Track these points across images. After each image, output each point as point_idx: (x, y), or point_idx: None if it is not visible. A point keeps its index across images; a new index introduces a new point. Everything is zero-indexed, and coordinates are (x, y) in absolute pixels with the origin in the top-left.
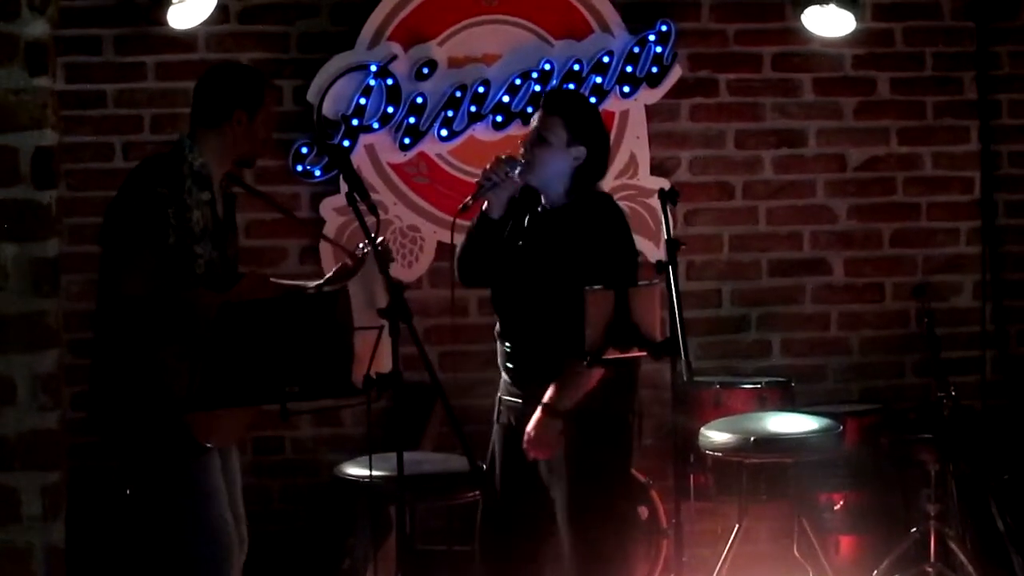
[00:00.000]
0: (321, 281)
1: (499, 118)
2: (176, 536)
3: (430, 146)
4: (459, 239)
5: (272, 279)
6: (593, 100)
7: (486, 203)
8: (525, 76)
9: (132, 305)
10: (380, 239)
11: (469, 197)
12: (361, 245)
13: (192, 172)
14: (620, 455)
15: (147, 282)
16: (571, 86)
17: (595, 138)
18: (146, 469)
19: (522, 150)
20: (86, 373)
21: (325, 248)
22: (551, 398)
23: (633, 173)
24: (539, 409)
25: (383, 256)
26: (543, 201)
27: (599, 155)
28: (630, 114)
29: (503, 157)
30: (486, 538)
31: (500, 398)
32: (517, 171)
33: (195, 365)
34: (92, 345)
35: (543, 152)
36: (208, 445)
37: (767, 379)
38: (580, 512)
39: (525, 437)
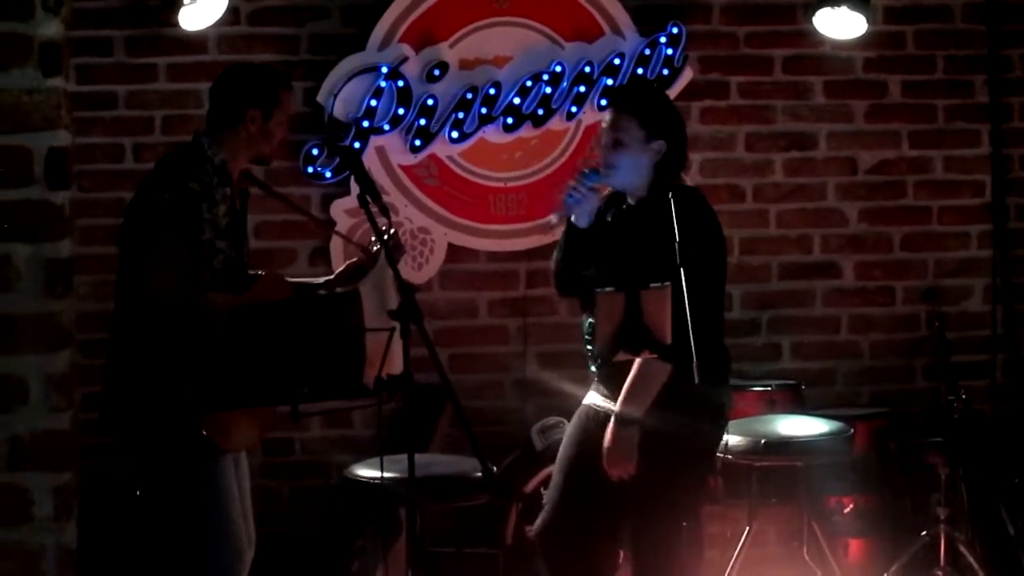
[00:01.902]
0: (332, 276)
1: (510, 120)
2: (189, 538)
3: (441, 148)
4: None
5: (290, 279)
6: (604, 102)
7: (573, 215)
8: (536, 78)
9: (157, 305)
10: (391, 230)
11: (553, 216)
12: (373, 238)
13: (215, 168)
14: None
15: (176, 280)
16: (582, 89)
17: (673, 129)
18: (160, 471)
19: (600, 154)
20: (97, 374)
21: (336, 249)
22: (620, 406)
23: None
24: (611, 422)
25: (394, 249)
26: (628, 199)
27: (679, 145)
28: None
29: (585, 170)
30: (548, 539)
31: (587, 402)
32: (598, 181)
33: (207, 366)
34: (108, 345)
35: (621, 155)
36: (224, 449)
37: (777, 382)
38: (650, 533)
39: (603, 455)
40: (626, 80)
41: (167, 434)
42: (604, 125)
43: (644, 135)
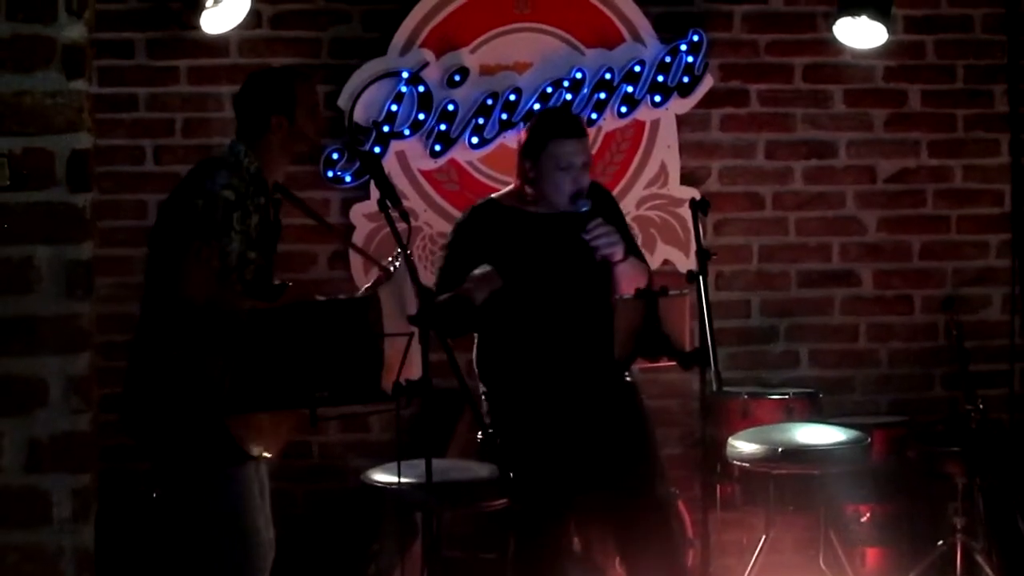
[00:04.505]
0: (362, 291)
1: None
2: (214, 543)
3: (461, 153)
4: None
5: (317, 296)
6: (624, 109)
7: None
8: (556, 84)
9: (187, 309)
10: (407, 251)
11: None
12: (391, 258)
13: (251, 176)
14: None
15: (206, 287)
16: (602, 95)
17: None
18: (186, 475)
19: (576, 181)
20: (116, 375)
21: (354, 254)
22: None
23: (663, 183)
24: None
25: (413, 264)
26: (535, 209)
27: None
28: (661, 123)
29: (584, 209)
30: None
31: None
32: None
33: (229, 369)
34: (132, 347)
35: (588, 175)
36: (252, 454)
37: (795, 390)
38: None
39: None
40: (645, 88)
41: (194, 438)
42: (573, 153)
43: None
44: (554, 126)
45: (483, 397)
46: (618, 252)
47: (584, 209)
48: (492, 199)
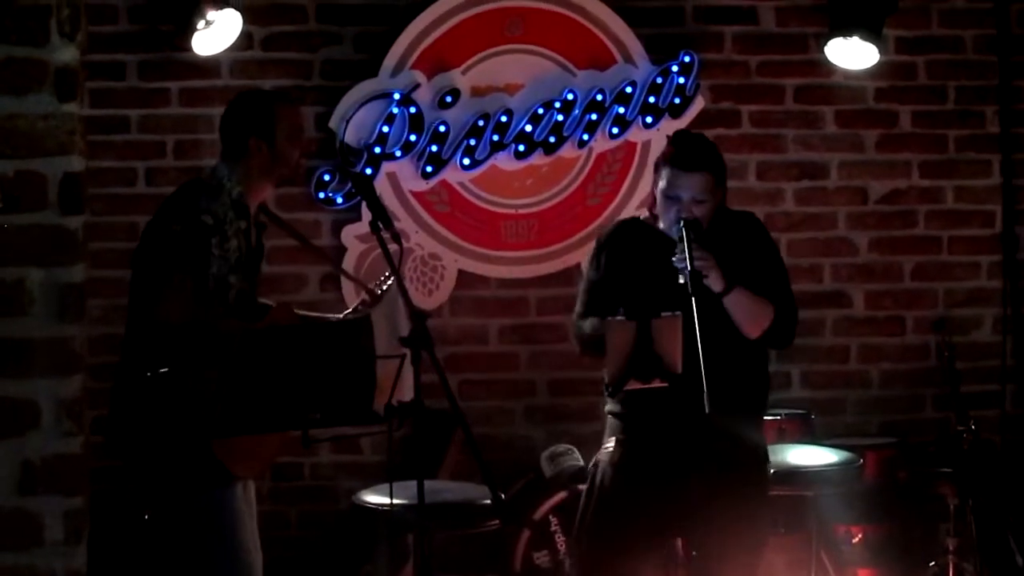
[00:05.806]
0: (347, 312)
1: (521, 147)
2: (204, 564)
3: (452, 175)
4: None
5: (298, 311)
6: (616, 130)
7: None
8: (548, 106)
9: (165, 331)
10: (390, 278)
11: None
12: (378, 280)
13: (232, 201)
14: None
15: (184, 310)
16: (593, 116)
17: (726, 176)
18: (173, 496)
19: (678, 213)
20: (107, 397)
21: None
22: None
23: (655, 204)
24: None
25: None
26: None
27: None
28: (652, 144)
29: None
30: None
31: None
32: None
33: (219, 391)
34: (118, 369)
35: (705, 211)
36: (237, 474)
37: (787, 411)
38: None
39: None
40: (636, 109)
41: (180, 459)
42: (681, 186)
43: (717, 189)
44: (675, 153)
45: (611, 415)
46: (714, 281)
47: (678, 236)
48: (635, 216)
